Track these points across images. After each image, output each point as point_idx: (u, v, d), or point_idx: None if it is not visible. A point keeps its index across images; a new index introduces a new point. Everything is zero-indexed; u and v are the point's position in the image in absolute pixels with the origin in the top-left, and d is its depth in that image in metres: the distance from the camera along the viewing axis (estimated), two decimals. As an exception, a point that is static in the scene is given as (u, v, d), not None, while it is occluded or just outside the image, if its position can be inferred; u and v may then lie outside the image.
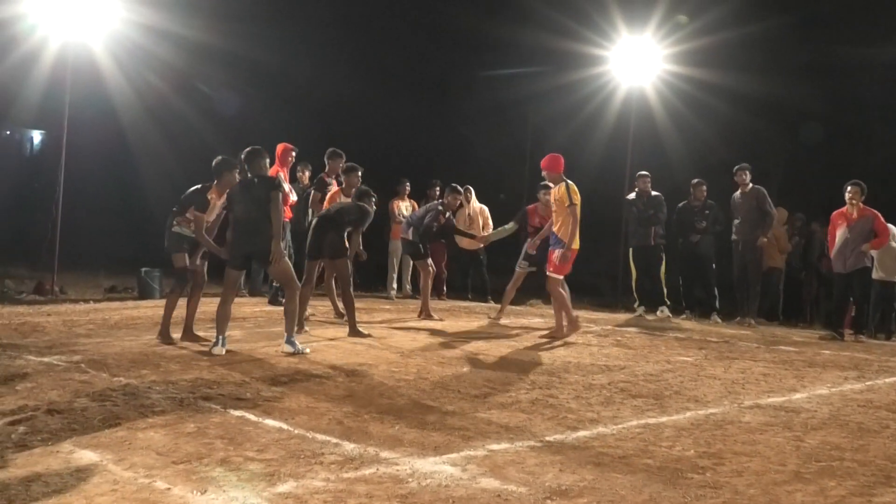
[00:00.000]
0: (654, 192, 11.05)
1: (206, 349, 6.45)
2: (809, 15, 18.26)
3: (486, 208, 12.20)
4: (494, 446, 4.06)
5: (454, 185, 10.05)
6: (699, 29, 15.77)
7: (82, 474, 3.44)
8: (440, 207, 9.60)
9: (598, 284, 15.31)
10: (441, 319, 9.18)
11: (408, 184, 12.46)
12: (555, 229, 8.08)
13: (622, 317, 10.82)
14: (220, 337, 6.43)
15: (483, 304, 11.69)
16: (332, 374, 5.71)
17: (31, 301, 10.19)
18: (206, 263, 7.16)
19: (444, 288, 12.42)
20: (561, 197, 7.94)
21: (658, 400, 5.38)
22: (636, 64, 13.59)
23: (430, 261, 9.57)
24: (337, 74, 19.95)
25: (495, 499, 3.29)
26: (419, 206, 11.71)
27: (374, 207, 8.12)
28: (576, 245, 8.00)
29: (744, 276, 10.93)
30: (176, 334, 6.94)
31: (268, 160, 7.00)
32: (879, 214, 9.42)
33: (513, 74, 19.64)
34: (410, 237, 9.47)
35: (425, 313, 9.30)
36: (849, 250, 9.38)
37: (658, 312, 10.82)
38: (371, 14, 21.46)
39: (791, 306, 13.28)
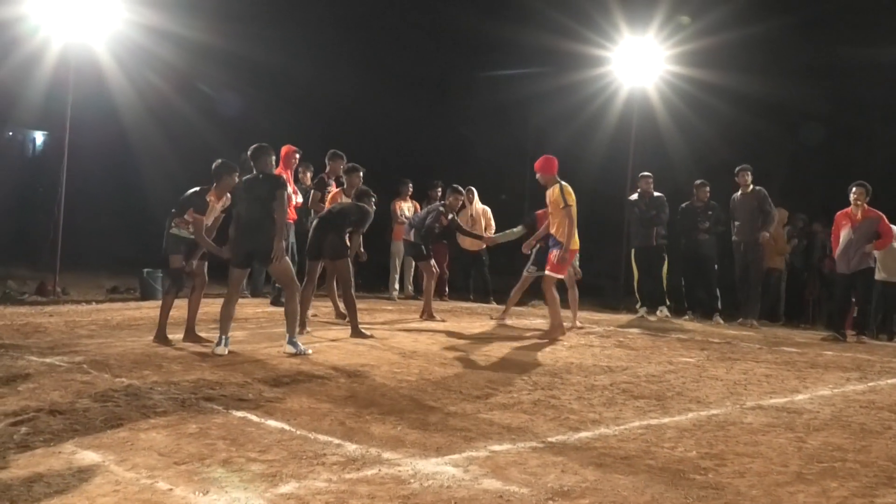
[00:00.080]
0: (656, 193, 11.06)
1: (207, 350, 6.45)
2: (811, 16, 18.22)
3: (488, 209, 12.18)
4: (496, 447, 4.06)
5: (455, 185, 10.05)
6: (701, 30, 15.75)
7: (84, 475, 3.44)
8: (441, 209, 9.58)
9: (600, 285, 15.31)
10: (443, 320, 9.17)
11: (410, 184, 12.44)
12: (552, 231, 8.09)
13: (624, 318, 10.81)
14: (224, 336, 6.43)
15: (485, 304, 11.68)
16: (335, 375, 5.71)
17: (33, 302, 10.21)
18: (206, 264, 7.16)
19: (446, 289, 12.41)
20: (556, 199, 7.94)
21: (660, 401, 5.37)
22: (638, 65, 13.59)
23: (433, 262, 9.57)
24: (338, 75, 19.93)
25: (497, 500, 3.29)
26: (421, 207, 11.72)
27: (374, 207, 8.12)
28: (575, 245, 8.00)
29: (745, 277, 10.93)
30: (175, 335, 6.94)
31: (274, 158, 7.00)
32: (884, 216, 9.43)
33: (514, 75, 19.62)
34: (412, 239, 9.47)
35: (427, 314, 9.30)
36: (853, 251, 9.38)
37: (657, 312, 10.82)
38: (372, 14, 21.45)
39: (793, 307, 13.28)
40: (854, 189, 9.44)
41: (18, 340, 6.83)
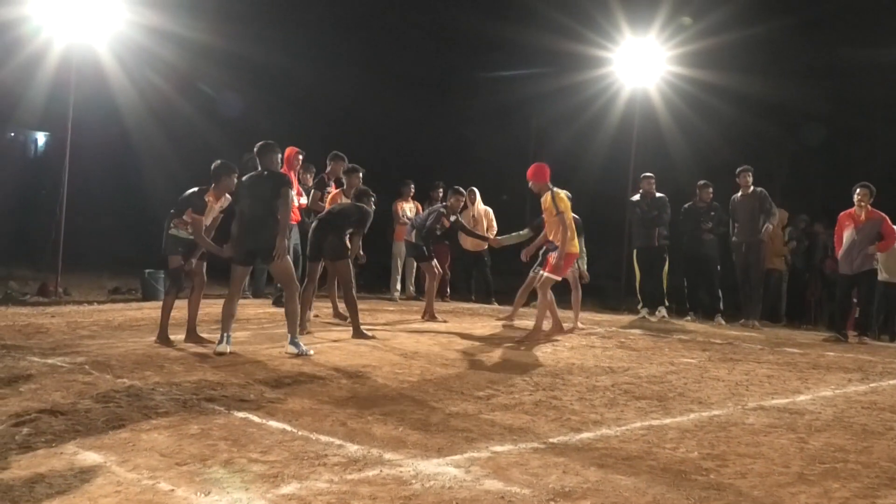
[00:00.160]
0: (658, 194, 11.05)
1: (209, 350, 6.45)
2: (812, 16, 18.23)
3: (490, 210, 12.17)
4: (498, 448, 4.06)
5: (457, 187, 10.04)
6: (702, 30, 15.76)
7: (86, 476, 3.44)
8: (443, 210, 9.57)
9: (601, 286, 15.29)
10: (444, 321, 9.17)
11: (412, 185, 12.44)
12: (550, 237, 8.13)
13: (626, 318, 10.81)
14: (226, 335, 6.43)
15: (487, 305, 11.68)
16: (336, 376, 5.71)
17: (35, 302, 10.21)
18: (206, 264, 7.16)
19: (448, 289, 12.41)
20: (548, 207, 7.97)
21: (662, 402, 5.37)
22: (640, 65, 13.58)
23: (435, 262, 9.57)
24: (339, 75, 19.95)
25: (499, 500, 3.29)
26: (423, 208, 11.71)
27: (374, 207, 8.11)
28: (575, 249, 8.00)
29: (747, 277, 10.92)
30: (176, 336, 6.95)
31: (280, 156, 7.00)
32: (887, 218, 9.43)
33: (516, 76, 19.63)
34: (413, 240, 9.47)
35: (429, 315, 9.29)
36: (856, 252, 9.38)
37: (656, 313, 10.81)
38: (373, 15, 21.47)
39: (795, 308, 13.26)
40: (858, 190, 9.44)
41: (20, 341, 6.83)
